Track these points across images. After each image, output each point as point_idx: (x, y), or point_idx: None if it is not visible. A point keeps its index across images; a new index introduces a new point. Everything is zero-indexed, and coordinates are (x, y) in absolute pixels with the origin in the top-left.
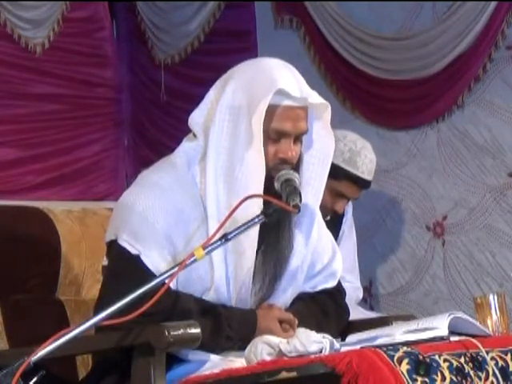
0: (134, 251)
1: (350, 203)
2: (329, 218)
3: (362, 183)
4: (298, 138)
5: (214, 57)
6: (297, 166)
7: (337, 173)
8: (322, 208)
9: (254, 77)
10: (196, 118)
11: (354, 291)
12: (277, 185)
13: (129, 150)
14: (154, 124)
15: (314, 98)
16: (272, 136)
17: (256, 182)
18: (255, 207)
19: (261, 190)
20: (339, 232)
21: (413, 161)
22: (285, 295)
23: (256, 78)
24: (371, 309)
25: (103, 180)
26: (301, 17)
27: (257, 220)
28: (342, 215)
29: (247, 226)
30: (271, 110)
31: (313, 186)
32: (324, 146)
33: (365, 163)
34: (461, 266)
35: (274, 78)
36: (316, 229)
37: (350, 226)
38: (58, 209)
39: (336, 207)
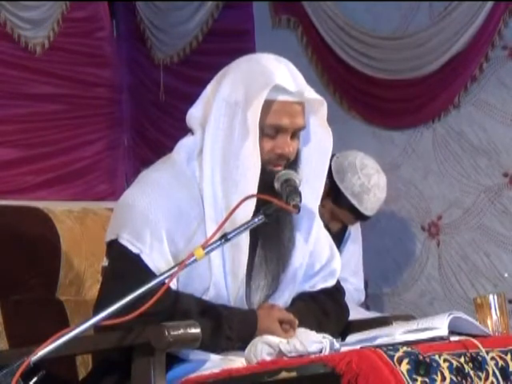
0: (135, 250)
1: None
2: None
3: (361, 218)
4: (295, 134)
5: (212, 57)
6: (294, 163)
7: (341, 201)
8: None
9: (249, 71)
10: (193, 114)
11: (356, 293)
12: (277, 185)
13: (129, 149)
14: (154, 124)
15: (311, 93)
16: (268, 131)
17: (251, 178)
18: (251, 205)
19: (255, 186)
20: (345, 234)
21: (408, 161)
22: (285, 293)
23: (252, 72)
24: (367, 309)
25: (103, 180)
26: (298, 17)
27: (257, 220)
28: None
29: (247, 226)
30: (267, 105)
31: (312, 184)
32: (321, 143)
33: (371, 201)
34: (455, 267)
35: (270, 72)
36: (316, 227)
37: (356, 228)
38: (58, 209)
39: (330, 226)
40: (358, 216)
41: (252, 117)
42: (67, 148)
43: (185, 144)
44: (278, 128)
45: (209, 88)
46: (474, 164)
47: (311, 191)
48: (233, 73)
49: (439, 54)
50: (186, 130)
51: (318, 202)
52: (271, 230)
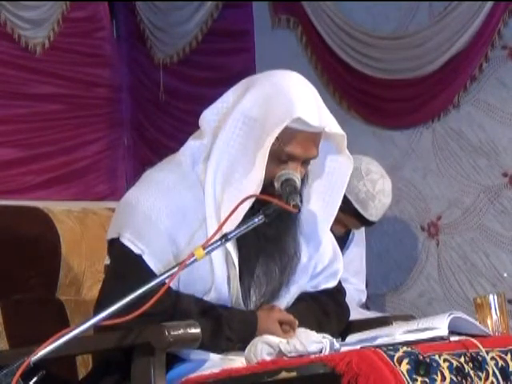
0: (136, 250)
1: None
2: None
3: (366, 223)
4: (306, 161)
5: (212, 56)
6: (301, 183)
7: (345, 207)
8: None
9: (274, 96)
10: (208, 117)
11: (357, 294)
12: (277, 185)
13: (129, 149)
14: (154, 124)
15: (332, 127)
16: (282, 157)
17: (251, 191)
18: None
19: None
20: (349, 237)
21: (408, 161)
22: (287, 298)
23: (276, 98)
24: (366, 309)
25: (103, 180)
26: (298, 16)
27: (257, 220)
28: None
29: (247, 226)
30: (286, 133)
31: (326, 210)
32: (339, 169)
33: (376, 207)
34: (455, 267)
35: (294, 104)
36: (323, 243)
37: (360, 231)
38: (57, 209)
39: (334, 230)
40: (363, 222)
41: (267, 143)
42: (67, 148)
43: (192, 147)
44: (292, 156)
45: (230, 96)
46: (474, 164)
47: (327, 214)
48: (257, 89)
49: (439, 53)
50: (186, 130)
51: (330, 224)
52: (272, 242)
